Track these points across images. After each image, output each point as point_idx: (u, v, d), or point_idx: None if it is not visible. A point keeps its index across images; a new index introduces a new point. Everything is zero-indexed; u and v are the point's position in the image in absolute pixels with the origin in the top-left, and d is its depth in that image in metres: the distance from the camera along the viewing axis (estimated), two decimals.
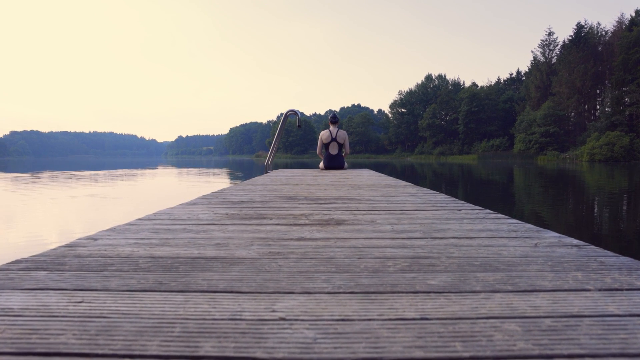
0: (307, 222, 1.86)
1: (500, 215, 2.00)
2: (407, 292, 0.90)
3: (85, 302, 0.84)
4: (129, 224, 1.80)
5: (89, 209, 7.67)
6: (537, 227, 1.66)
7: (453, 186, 14.37)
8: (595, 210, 8.24)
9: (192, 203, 2.58)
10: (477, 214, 2.07)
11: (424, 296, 0.88)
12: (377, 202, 2.63)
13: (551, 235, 1.50)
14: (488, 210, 2.16)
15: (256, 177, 5.58)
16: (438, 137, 76.50)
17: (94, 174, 20.92)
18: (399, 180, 4.63)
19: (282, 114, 8.09)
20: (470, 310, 0.80)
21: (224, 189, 3.59)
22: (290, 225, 1.78)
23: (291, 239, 1.47)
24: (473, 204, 2.68)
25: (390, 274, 1.04)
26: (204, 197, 2.97)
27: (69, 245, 1.36)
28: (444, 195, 2.96)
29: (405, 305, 0.82)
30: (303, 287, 0.94)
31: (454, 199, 2.75)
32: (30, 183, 14.11)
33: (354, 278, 1.01)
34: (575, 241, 1.40)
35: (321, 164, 7.91)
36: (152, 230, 1.65)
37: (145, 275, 1.03)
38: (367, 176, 5.55)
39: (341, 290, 0.91)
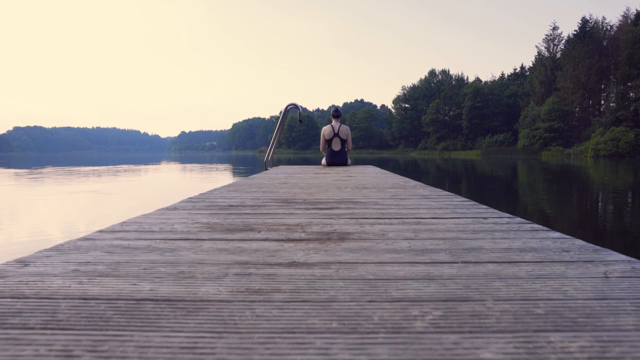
0: (303, 236, 1.52)
1: (536, 226, 1.65)
2: None
3: None
4: (85, 238, 1.46)
5: (88, 207, 7.35)
6: (592, 245, 1.32)
7: (457, 182, 14.05)
8: (600, 206, 7.96)
9: (172, 208, 2.24)
10: (507, 223, 1.72)
11: None
12: (386, 206, 2.28)
13: (617, 259, 1.16)
14: (520, 219, 1.81)
15: (254, 174, 5.24)
16: (441, 132, 75.98)
17: (96, 170, 20.63)
18: (407, 179, 4.28)
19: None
20: None
21: (214, 190, 3.25)
22: (282, 241, 1.43)
23: (280, 265, 1.13)
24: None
25: (419, 337, 0.69)
26: (190, 199, 2.63)
27: None
28: (461, 198, 2.61)
29: None
30: None
31: (473, 202, 2.40)
32: (33, 179, 13.80)
33: (364, 345, 0.66)
34: None
35: (323, 161, 7.57)
36: (108, 248, 1.31)
37: (53, 337, 0.69)
38: (372, 174, 5.20)
39: None
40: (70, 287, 0.94)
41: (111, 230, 1.60)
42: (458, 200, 2.52)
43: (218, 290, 0.92)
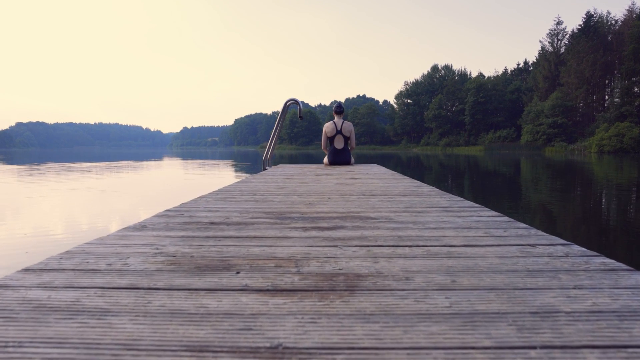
0: (296, 281, 1.10)
1: (608, 261, 1.23)
2: None
3: None
4: None
5: (85, 206, 6.94)
6: None
7: (460, 178, 13.68)
8: (604, 203, 7.64)
9: (140, 227, 1.82)
10: (567, 255, 1.30)
11: None
12: (402, 224, 1.86)
13: None
14: (578, 248, 1.39)
15: (250, 176, 4.83)
16: (444, 128, 75.51)
17: (97, 166, 20.25)
18: (419, 182, 3.85)
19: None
20: None
21: (200, 198, 2.83)
22: (266, 292, 1.01)
23: (255, 354, 0.71)
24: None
25: None
26: (167, 212, 2.21)
27: None
28: (489, 211, 2.18)
29: None
30: None
31: (507, 218, 1.98)
32: (33, 176, 13.43)
33: None
34: None
35: (325, 159, 7.14)
36: (11, 309, 0.90)
37: None
38: (378, 175, 4.78)
39: None
40: None
41: (40, 269, 1.19)
42: (486, 215, 2.09)
43: None
